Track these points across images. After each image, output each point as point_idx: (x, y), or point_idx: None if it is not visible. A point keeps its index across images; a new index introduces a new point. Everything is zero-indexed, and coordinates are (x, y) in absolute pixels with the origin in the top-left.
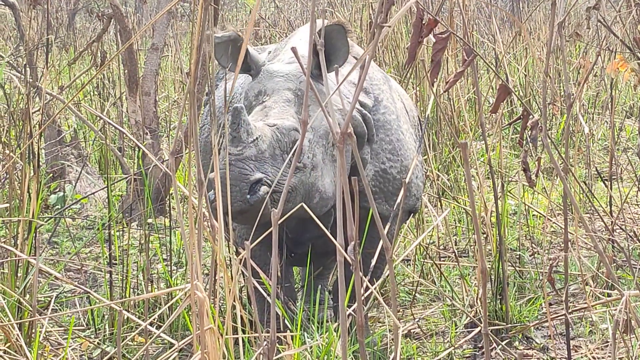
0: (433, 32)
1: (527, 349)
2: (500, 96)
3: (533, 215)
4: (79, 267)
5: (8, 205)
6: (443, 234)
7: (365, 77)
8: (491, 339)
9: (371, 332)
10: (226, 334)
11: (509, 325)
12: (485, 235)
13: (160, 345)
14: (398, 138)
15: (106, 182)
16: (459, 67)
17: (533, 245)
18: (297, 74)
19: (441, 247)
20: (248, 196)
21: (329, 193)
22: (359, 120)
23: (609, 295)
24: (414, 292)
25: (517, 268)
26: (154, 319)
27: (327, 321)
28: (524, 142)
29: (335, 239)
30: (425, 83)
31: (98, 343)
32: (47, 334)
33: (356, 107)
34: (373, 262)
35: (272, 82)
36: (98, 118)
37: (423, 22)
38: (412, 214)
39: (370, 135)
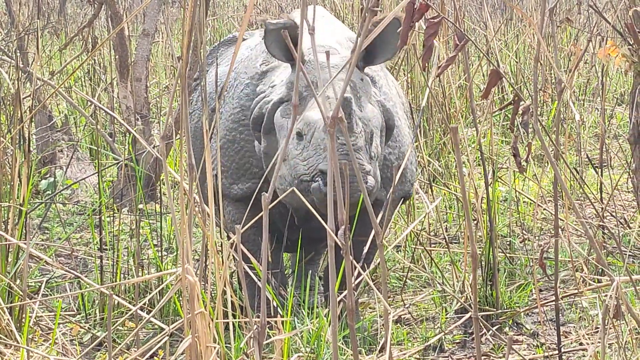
0: (425, 17)
1: (517, 335)
2: (491, 81)
3: (524, 201)
4: (70, 252)
5: None
6: (434, 220)
7: (356, 61)
8: (481, 324)
9: (361, 317)
10: (217, 319)
11: (499, 311)
12: (475, 222)
13: (150, 330)
14: (396, 124)
15: (97, 168)
16: (450, 54)
17: (523, 231)
18: (346, 65)
19: (432, 233)
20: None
21: (379, 181)
22: (391, 112)
23: (599, 281)
24: (404, 278)
25: (508, 254)
26: (144, 304)
27: (317, 307)
28: (515, 127)
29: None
30: (417, 70)
31: (88, 328)
32: (37, 318)
33: (382, 100)
34: (365, 248)
35: (324, 72)
36: (89, 104)
37: (415, 7)
38: (404, 200)
39: None
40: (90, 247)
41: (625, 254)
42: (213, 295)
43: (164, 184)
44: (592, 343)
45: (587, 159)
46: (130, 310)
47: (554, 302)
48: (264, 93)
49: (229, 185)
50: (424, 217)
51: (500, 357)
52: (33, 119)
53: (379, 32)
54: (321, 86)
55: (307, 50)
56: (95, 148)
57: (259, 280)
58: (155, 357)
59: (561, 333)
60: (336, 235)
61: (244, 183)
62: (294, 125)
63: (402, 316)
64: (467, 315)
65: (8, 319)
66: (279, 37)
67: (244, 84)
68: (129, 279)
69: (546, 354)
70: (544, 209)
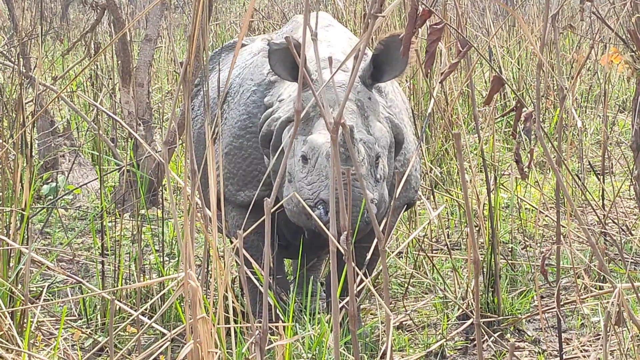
0: (427, 23)
1: (519, 342)
2: (493, 88)
3: (525, 208)
4: (71, 257)
5: (0, 194)
6: (436, 226)
7: (359, 67)
8: (483, 331)
9: (363, 323)
10: (218, 324)
11: (501, 317)
12: (477, 228)
13: (152, 335)
14: (402, 131)
15: (99, 173)
16: (453, 60)
17: (525, 238)
18: (354, 84)
19: (434, 239)
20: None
21: (387, 200)
22: (400, 127)
23: (600, 288)
24: (406, 285)
25: (509, 261)
26: (145, 309)
27: (319, 312)
28: (517, 134)
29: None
30: (419, 76)
31: (90, 333)
32: (38, 323)
33: (390, 116)
34: (368, 255)
35: (331, 92)
36: (91, 109)
37: (417, 13)
38: (408, 207)
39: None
40: (91, 252)
41: (627, 261)
42: (215, 300)
43: (165, 189)
44: (594, 350)
45: (589, 166)
46: (131, 315)
47: (555, 309)
48: (271, 108)
49: (235, 192)
50: (427, 224)
51: None
52: (35, 124)
53: (387, 50)
54: (327, 106)
55: (313, 67)
56: (97, 154)
57: (261, 286)
58: None
59: (563, 340)
60: (338, 241)
61: (251, 190)
62: (291, 145)
63: (404, 322)
64: (469, 322)
65: (9, 324)
66: (282, 57)
67: (250, 91)
68: (130, 284)
69: None
70: (546, 216)
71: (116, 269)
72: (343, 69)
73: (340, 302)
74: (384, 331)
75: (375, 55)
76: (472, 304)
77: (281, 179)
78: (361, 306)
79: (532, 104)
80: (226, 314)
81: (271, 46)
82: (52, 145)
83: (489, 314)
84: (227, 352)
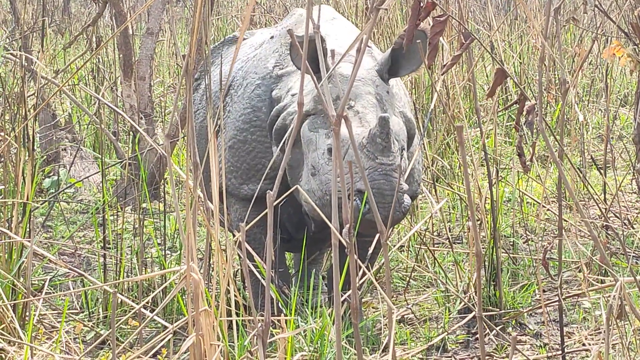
0: (431, 15)
1: (521, 335)
2: (497, 80)
3: (527, 202)
4: (73, 250)
5: (2, 188)
6: (437, 220)
7: (360, 61)
8: (485, 324)
9: (364, 317)
10: (220, 317)
11: (503, 311)
12: (479, 222)
13: (154, 328)
14: (414, 125)
15: (100, 167)
16: (455, 54)
17: (527, 231)
18: (372, 77)
19: (435, 233)
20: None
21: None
22: (412, 121)
23: (602, 281)
24: (408, 278)
25: (511, 254)
26: (147, 302)
27: (320, 306)
28: (520, 127)
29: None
30: (421, 69)
31: (92, 326)
32: (41, 316)
33: (404, 111)
34: (370, 249)
35: (346, 85)
36: (93, 102)
37: (421, 5)
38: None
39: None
40: (93, 246)
41: (629, 255)
42: (217, 293)
43: (167, 183)
44: (596, 343)
45: (591, 160)
46: (133, 308)
47: (557, 303)
48: (283, 102)
49: (239, 186)
50: (429, 218)
51: (503, 358)
52: (37, 118)
53: (405, 45)
54: (353, 99)
55: (328, 60)
56: (99, 152)
57: (263, 279)
58: (158, 356)
59: (564, 333)
60: (340, 234)
61: (255, 184)
62: (293, 136)
63: (405, 316)
64: (471, 315)
65: (12, 317)
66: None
67: (254, 85)
68: (132, 277)
69: (549, 354)
70: (548, 210)
71: (118, 262)
72: (353, 61)
73: (342, 296)
74: (386, 325)
75: (395, 50)
76: (473, 297)
77: (282, 171)
78: (363, 299)
79: (534, 98)
80: (228, 307)
81: (295, 38)
82: (54, 138)
83: (490, 307)
84: (229, 345)
